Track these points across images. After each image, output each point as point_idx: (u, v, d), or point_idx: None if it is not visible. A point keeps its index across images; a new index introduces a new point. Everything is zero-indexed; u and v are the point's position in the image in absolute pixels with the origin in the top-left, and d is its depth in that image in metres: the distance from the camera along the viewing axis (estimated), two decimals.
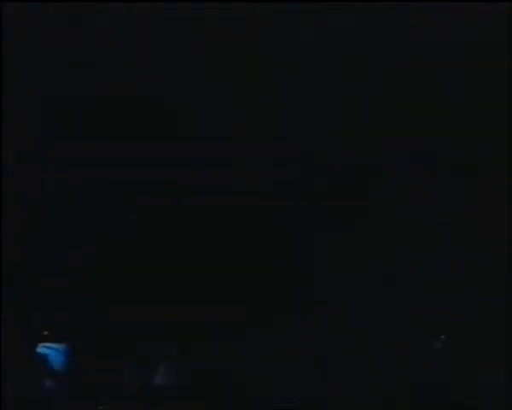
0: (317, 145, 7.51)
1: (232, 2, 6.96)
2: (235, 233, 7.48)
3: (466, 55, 7.29)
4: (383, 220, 7.55)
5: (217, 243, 7.48)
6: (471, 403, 7.00)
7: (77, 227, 7.27)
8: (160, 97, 7.34)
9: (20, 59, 6.97)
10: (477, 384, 7.06)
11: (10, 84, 6.92)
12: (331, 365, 7.25)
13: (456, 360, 7.24)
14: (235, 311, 7.33)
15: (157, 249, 7.36)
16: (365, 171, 7.55)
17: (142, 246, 7.34)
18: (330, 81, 7.41)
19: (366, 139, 7.52)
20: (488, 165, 7.44)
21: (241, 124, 7.40)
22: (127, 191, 7.37)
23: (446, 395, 7.13)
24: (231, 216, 7.50)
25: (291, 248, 7.56)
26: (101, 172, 7.27)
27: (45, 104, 7.17)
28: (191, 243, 7.42)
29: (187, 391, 7.11)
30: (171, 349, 7.22)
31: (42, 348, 6.86)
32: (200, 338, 7.23)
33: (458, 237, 7.48)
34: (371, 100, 7.47)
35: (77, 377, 6.91)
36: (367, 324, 7.38)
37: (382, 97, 7.44)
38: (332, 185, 7.55)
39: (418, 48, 7.24)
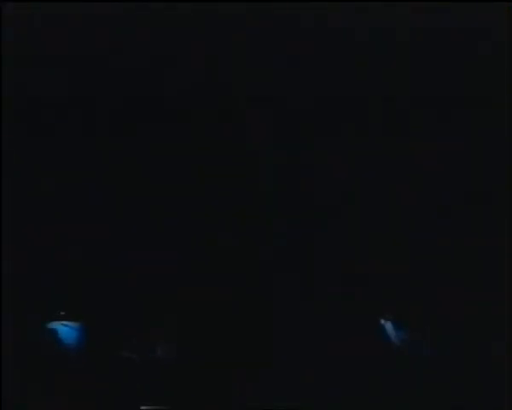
0: None
1: None
2: None
3: (465, 54, 7.31)
4: None
5: None
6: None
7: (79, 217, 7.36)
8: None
9: (20, 59, 7.02)
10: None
11: (10, 85, 6.97)
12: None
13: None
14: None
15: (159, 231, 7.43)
16: None
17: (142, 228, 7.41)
18: None
19: None
20: None
21: None
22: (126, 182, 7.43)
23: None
24: None
25: None
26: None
27: (45, 105, 7.23)
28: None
29: (185, 364, 7.24)
30: (171, 323, 7.38)
31: (56, 325, 7.16)
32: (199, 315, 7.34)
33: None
34: None
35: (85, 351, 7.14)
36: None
37: None
38: None
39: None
